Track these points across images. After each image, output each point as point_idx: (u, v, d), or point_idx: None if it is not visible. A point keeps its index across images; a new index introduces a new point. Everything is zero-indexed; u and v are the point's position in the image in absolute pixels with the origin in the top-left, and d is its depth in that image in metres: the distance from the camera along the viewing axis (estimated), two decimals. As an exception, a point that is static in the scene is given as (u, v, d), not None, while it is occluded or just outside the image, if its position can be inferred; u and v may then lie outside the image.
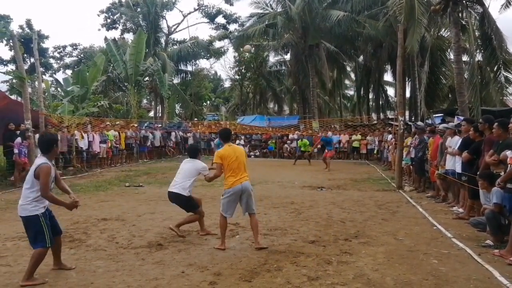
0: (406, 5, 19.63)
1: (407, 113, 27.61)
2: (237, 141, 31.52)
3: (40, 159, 5.75)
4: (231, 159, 7.23)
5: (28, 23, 46.56)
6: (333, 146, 24.10)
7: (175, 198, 8.02)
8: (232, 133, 8.06)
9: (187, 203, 8.01)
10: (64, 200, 6.07)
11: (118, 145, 23.10)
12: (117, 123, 25.77)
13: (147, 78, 35.84)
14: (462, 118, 13.60)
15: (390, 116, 36.94)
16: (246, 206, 7.31)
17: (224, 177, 7.41)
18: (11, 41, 30.24)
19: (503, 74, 18.82)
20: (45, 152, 5.86)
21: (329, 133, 28.16)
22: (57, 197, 5.95)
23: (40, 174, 5.56)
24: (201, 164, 8.18)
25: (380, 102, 42.52)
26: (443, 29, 26.03)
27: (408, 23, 20.05)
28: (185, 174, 8.01)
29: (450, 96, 30.68)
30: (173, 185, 8.04)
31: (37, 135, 16.31)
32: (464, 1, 18.64)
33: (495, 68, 18.89)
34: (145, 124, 31.33)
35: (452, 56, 21.87)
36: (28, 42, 34.03)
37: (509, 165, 6.88)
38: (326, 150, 23.09)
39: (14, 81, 29.87)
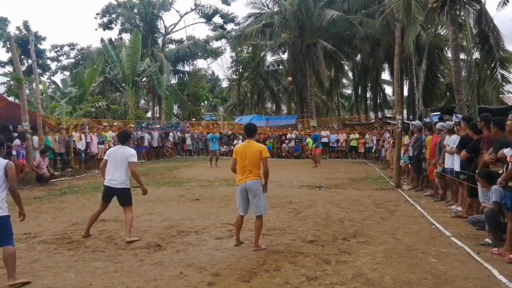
0: (403, 4, 19.65)
1: (405, 111, 27.65)
2: (235, 141, 31.57)
3: None
4: (241, 156, 7.23)
5: (25, 25, 46.45)
6: (320, 144, 24.14)
7: (121, 193, 7.99)
8: (256, 129, 7.94)
9: (128, 195, 8.03)
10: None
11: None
12: (115, 124, 25.73)
13: (144, 79, 35.81)
14: (460, 116, 13.62)
15: (388, 115, 36.90)
16: (251, 206, 7.28)
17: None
18: (8, 42, 30.12)
19: (499, 72, 18.85)
20: None
21: (323, 132, 28.21)
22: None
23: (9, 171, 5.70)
24: (130, 151, 8.10)
25: (378, 101, 42.50)
26: (440, 27, 26.06)
27: (406, 21, 20.09)
28: (120, 165, 7.91)
29: (448, 94, 30.71)
30: (113, 179, 7.93)
31: (35, 137, 16.39)
32: (461, -1, 18.68)
33: (492, 66, 18.91)
34: (143, 125, 31.30)
35: (449, 54, 21.90)
36: (25, 44, 33.91)
37: (509, 164, 6.86)
38: (313, 148, 23.25)
39: (11, 83, 29.77)
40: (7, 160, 5.83)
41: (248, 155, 7.16)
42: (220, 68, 65.03)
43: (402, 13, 19.88)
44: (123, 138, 8.23)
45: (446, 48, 26.05)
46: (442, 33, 26.64)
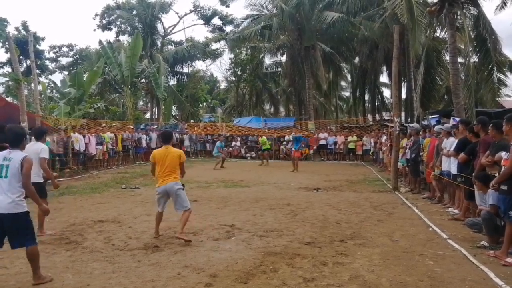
0: (406, 7, 19.70)
1: (403, 114, 27.69)
2: (233, 143, 31.62)
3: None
4: (161, 160, 7.81)
5: (24, 25, 46.44)
6: (301, 146, 23.80)
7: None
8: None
9: (43, 190, 8.02)
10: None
11: (114, 147, 23.09)
12: (113, 124, 25.74)
13: (143, 80, 35.82)
14: (458, 119, 13.66)
15: (386, 118, 36.97)
16: (178, 204, 7.85)
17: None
18: (7, 43, 30.11)
19: (496, 75, 18.92)
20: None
21: (321, 134, 28.28)
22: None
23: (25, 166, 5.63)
24: (41, 146, 8.18)
25: (376, 104, 42.62)
26: (439, 30, 26.16)
27: (411, 24, 20.17)
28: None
29: (446, 97, 30.78)
30: None
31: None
32: (459, 3, 18.73)
33: (489, 69, 18.99)
34: (141, 126, 31.30)
35: (447, 57, 21.97)
36: (24, 44, 33.91)
37: (502, 167, 6.91)
38: (293, 150, 23.00)
39: (10, 83, 29.77)
40: (25, 154, 5.79)
41: (168, 160, 7.77)
42: (219, 69, 65.13)
43: (407, 16, 19.93)
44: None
45: (443, 51, 26.14)
46: (440, 36, 26.74)
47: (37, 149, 7.99)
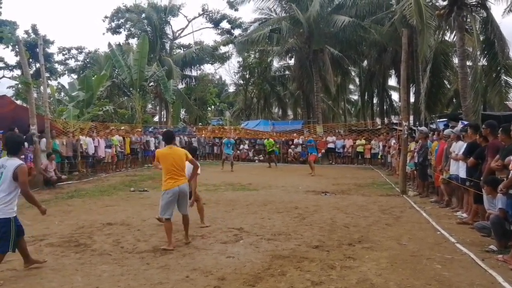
0: (416, 9, 19.67)
1: (411, 118, 27.62)
2: (241, 146, 31.64)
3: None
4: (165, 160, 7.53)
5: (34, 28, 46.77)
6: (316, 150, 24.40)
7: None
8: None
9: None
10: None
11: (123, 150, 23.20)
12: (122, 128, 25.85)
13: (151, 83, 35.94)
14: (466, 122, 13.62)
15: (394, 121, 36.85)
16: (182, 207, 7.74)
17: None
18: (17, 46, 30.36)
19: (503, 78, 18.86)
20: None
21: (329, 138, 28.31)
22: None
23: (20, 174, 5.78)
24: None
25: (384, 107, 42.50)
26: (448, 33, 26.10)
27: (420, 26, 20.14)
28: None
29: (454, 100, 30.66)
30: None
31: (43, 140, 16.51)
32: (468, 6, 18.68)
33: (496, 72, 18.93)
34: (150, 129, 31.42)
35: (455, 61, 21.93)
36: (33, 47, 34.18)
37: (511, 171, 6.89)
38: (308, 154, 23.37)
39: (20, 86, 29.96)
40: (20, 162, 5.91)
41: (174, 159, 7.52)
42: (227, 73, 65.22)
43: (416, 18, 19.89)
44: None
45: (450, 54, 26.06)
46: (448, 40, 26.65)
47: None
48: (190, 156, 7.72)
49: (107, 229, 8.98)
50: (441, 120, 22.12)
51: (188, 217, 7.87)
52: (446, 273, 6.13)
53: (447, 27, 23.98)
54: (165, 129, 17.35)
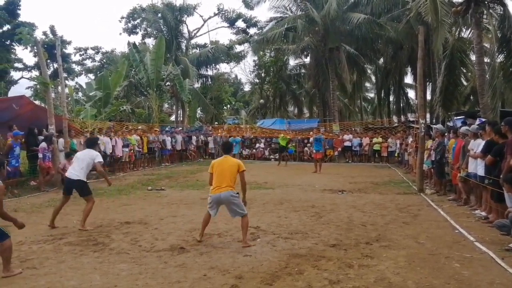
0: (431, 6, 19.51)
1: (428, 115, 27.40)
2: (257, 144, 31.66)
3: None
4: (218, 169, 7.88)
5: (52, 29, 47.35)
6: (323, 147, 24.45)
7: (75, 183, 9.34)
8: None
9: (83, 187, 9.41)
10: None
11: (140, 149, 23.36)
12: (139, 127, 26.01)
13: (168, 83, 36.12)
14: (483, 120, 13.49)
15: (411, 119, 36.59)
16: (233, 212, 7.78)
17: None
18: (35, 47, 30.69)
19: None
20: None
21: (346, 136, 28.21)
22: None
23: None
24: (94, 153, 9.62)
25: (401, 105, 42.21)
26: (464, 30, 25.84)
27: (435, 24, 19.97)
28: (80, 162, 9.40)
29: (472, 98, 30.34)
30: (71, 172, 9.38)
31: (61, 140, 16.67)
32: (486, 2, 18.48)
33: (511, 70, 18.71)
34: (166, 128, 31.59)
35: (473, 58, 21.71)
36: (51, 48, 34.50)
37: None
38: (314, 151, 23.30)
39: (38, 86, 30.29)
40: None
41: (225, 169, 7.82)
42: (243, 72, 65.17)
43: (431, 16, 19.73)
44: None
45: (467, 51, 25.79)
46: (465, 36, 26.40)
47: (90, 154, 9.56)
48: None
49: (125, 228, 9.05)
50: (458, 118, 21.89)
51: (246, 219, 7.73)
52: (465, 272, 6.07)
53: (463, 24, 23.76)
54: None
